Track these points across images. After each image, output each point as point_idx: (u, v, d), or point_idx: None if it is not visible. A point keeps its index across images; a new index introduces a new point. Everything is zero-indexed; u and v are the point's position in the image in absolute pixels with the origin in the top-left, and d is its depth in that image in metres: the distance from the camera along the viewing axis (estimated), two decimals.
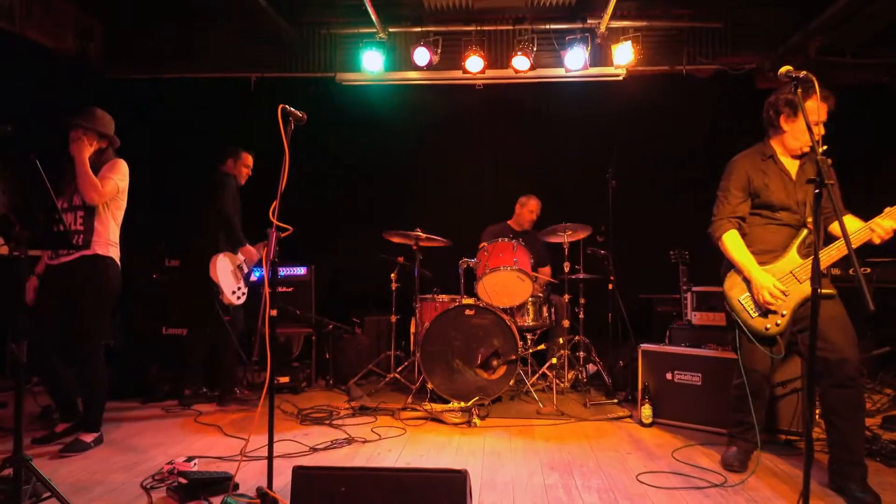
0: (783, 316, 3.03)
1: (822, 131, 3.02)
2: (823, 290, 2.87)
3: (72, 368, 3.69)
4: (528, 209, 5.89)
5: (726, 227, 3.19)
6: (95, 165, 3.69)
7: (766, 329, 3.05)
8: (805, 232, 3.06)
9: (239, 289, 4.86)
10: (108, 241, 3.75)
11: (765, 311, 3.06)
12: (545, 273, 5.84)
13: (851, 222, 3.01)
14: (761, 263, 3.09)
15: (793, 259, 3.06)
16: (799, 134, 3.10)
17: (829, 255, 2.94)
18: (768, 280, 3.02)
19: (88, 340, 3.66)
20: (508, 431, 4.06)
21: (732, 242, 3.16)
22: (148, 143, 6.73)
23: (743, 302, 3.11)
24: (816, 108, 2.96)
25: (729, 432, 3.41)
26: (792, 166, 3.19)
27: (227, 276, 4.77)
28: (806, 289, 2.96)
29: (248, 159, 5.21)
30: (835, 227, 3.11)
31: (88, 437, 3.64)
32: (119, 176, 3.74)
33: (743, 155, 3.28)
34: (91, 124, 3.71)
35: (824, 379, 2.93)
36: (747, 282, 3.10)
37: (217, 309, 4.75)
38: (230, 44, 6.78)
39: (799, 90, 2.45)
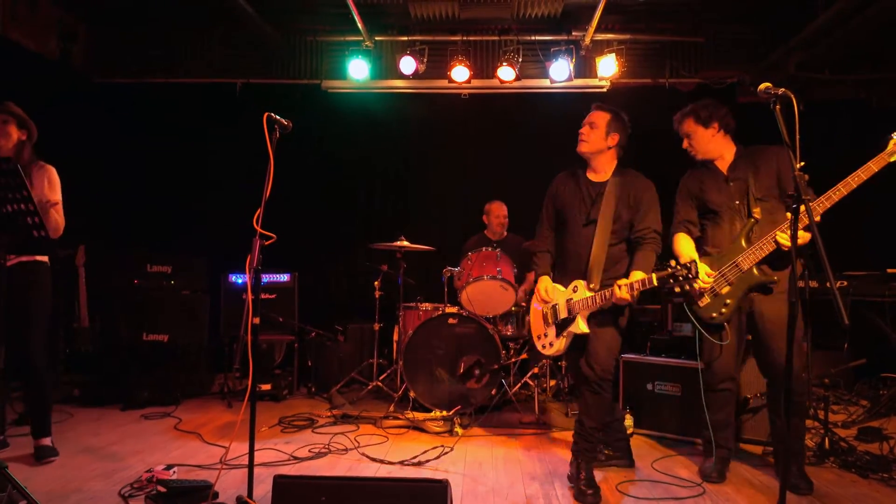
0: (727, 305, 3.17)
1: (685, 145, 3.44)
2: (765, 277, 3.13)
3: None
4: (494, 216, 5.85)
5: (676, 231, 3.46)
6: (20, 163, 3.36)
7: (713, 318, 3.21)
8: (751, 222, 3.20)
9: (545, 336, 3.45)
10: None
11: (705, 298, 3.23)
12: (530, 279, 5.85)
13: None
14: (710, 256, 3.28)
15: (738, 247, 3.19)
16: (695, 152, 3.44)
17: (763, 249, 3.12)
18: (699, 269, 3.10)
19: (38, 345, 3.54)
20: (490, 440, 4.07)
21: (676, 242, 3.41)
22: (130, 148, 6.69)
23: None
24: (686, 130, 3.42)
25: (704, 442, 3.47)
26: (723, 166, 3.40)
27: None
28: (749, 277, 3.14)
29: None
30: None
31: (48, 441, 3.57)
32: (59, 192, 3.55)
33: (687, 174, 3.56)
34: (12, 110, 3.52)
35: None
36: None
37: None
38: (215, 49, 6.74)
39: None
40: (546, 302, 3.38)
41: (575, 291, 3.23)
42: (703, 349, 3.34)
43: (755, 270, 3.13)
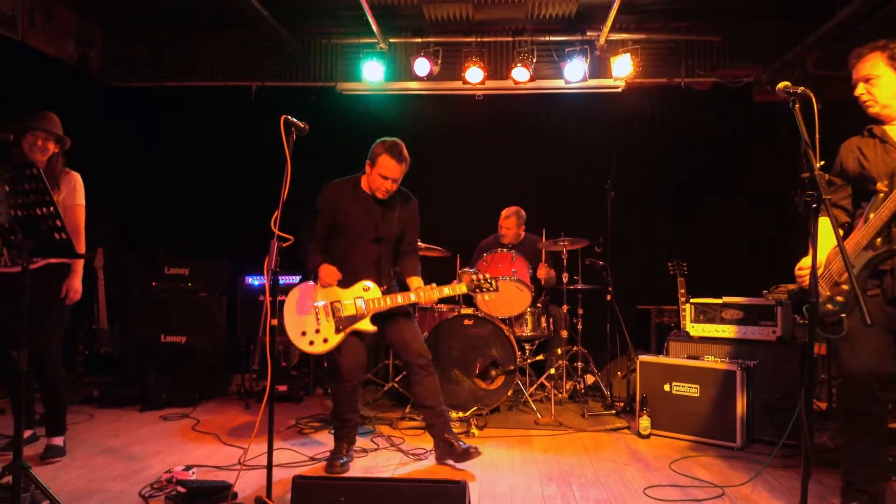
0: (843, 292, 2.58)
1: (860, 91, 2.70)
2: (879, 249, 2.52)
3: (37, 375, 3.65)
4: (505, 228, 5.57)
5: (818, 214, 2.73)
6: (49, 172, 3.57)
7: (827, 311, 2.58)
8: (879, 197, 2.57)
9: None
10: None
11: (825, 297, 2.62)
12: (551, 274, 5.66)
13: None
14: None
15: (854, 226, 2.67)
16: (872, 102, 2.75)
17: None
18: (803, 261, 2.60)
19: (53, 346, 3.63)
20: (506, 442, 4.06)
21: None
22: (146, 151, 6.75)
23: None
24: None
25: (843, 477, 2.67)
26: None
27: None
28: (862, 256, 2.55)
29: (386, 165, 3.64)
30: None
31: (60, 440, 3.62)
32: (82, 196, 3.72)
33: (845, 143, 2.90)
34: (51, 128, 3.62)
35: None
36: None
37: None
38: (231, 52, 6.80)
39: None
40: (327, 301, 3.59)
41: (366, 291, 3.62)
42: (837, 361, 2.66)
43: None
